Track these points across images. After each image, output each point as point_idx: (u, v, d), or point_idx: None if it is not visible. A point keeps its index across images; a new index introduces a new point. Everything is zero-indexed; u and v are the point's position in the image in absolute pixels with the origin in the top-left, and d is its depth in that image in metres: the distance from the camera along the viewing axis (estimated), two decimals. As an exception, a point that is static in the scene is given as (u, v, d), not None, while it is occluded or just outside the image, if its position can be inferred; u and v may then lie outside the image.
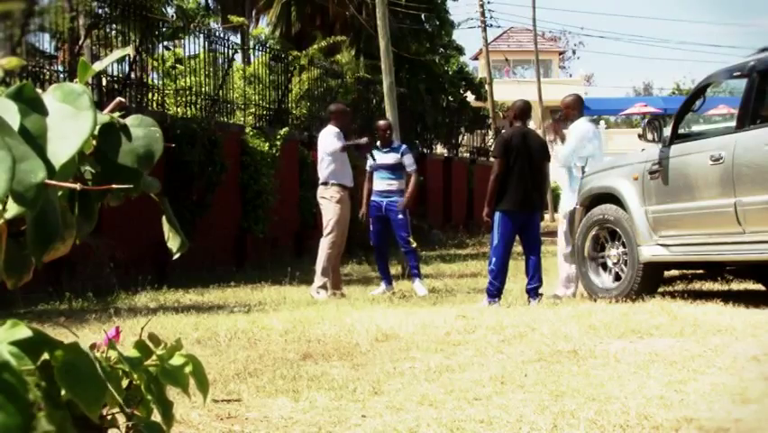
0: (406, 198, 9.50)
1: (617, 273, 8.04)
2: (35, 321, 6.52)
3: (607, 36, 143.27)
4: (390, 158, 9.60)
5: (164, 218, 1.34)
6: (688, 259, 7.66)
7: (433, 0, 23.05)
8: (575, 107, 8.72)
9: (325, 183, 9.18)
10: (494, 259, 8.05)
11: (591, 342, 5.55)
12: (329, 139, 9.16)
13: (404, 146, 9.87)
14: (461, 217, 23.06)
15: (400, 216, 9.45)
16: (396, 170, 9.56)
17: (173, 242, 1.35)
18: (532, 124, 44.68)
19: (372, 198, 9.57)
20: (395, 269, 11.99)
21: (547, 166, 8.26)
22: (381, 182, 9.57)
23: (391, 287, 9.60)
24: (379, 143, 9.80)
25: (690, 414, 3.67)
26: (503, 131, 8.78)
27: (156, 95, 12.96)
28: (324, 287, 8.98)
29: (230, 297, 9.18)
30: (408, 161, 9.61)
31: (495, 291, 7.98)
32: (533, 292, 8.08)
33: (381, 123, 10.06)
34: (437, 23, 24.65)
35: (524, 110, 8.42)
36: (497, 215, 7.98)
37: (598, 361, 4.97)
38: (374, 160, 9.60)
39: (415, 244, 9.61)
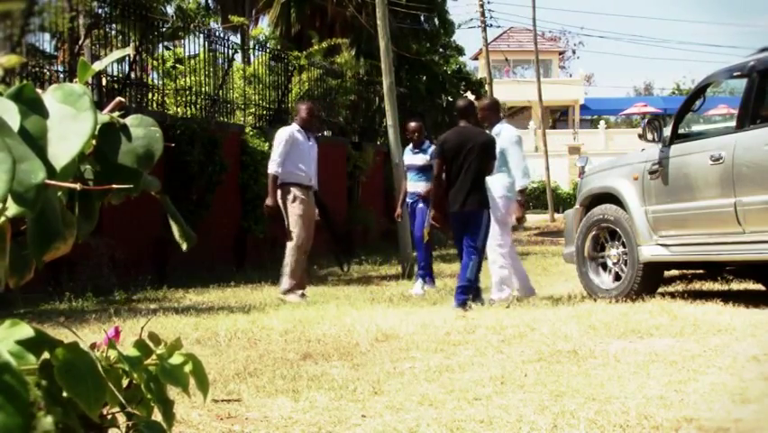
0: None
1: (616, 273, 8.04)
2: (35, 321, 6.52)
3: (607, 36, 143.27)
4: (419, 159, 9.69)
5: (169, 216, 1.34)
6: (688, 259, 7.66)
7: (433, 0, 23.04)
8: (493, 110, 8.57)
9: (284, 184, 8.83)
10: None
11: (591, 342, 5.55)
12: (278, 137, 8.88)
13: (432, 146, 9.72)
14: (461, 217, 23.03)
15: (420, 211, 9.60)
16: (425, 171, 9.56)
17: (181, 237, 1.35)
18: (532, 125, 44.50)
19: (408, 198, 9.84)
20: (395, 269, 12.00)
21: (490, 164, 7.81)
22: (412, 184, 9.77)
23: (433, 285, 9.60)
24: (411, 145, 9.90)
25: (690, 414, 3.67)
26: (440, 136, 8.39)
27: (156, 95, 12.96)
28: (292, 289, 8.77)
29: (230, 297, 9.18)
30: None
31: (467, 292, 7.63)
32: (456, 294, 7.67)
33: (411, 124, 10.04)
34: (437, 22, 24.63)
35: (467, 109, 8.15)
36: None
37: (598, 361, 4.97)
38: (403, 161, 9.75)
39: (426, 240, 9.57)
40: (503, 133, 8.32)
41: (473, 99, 27.68)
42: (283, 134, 8.83)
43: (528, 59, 45.10)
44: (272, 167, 8.79)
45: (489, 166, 7.81)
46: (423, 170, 9.62)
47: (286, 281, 8.80)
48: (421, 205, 9.60)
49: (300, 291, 8.82)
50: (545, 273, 11.45)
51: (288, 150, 8.78)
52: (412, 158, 9.80)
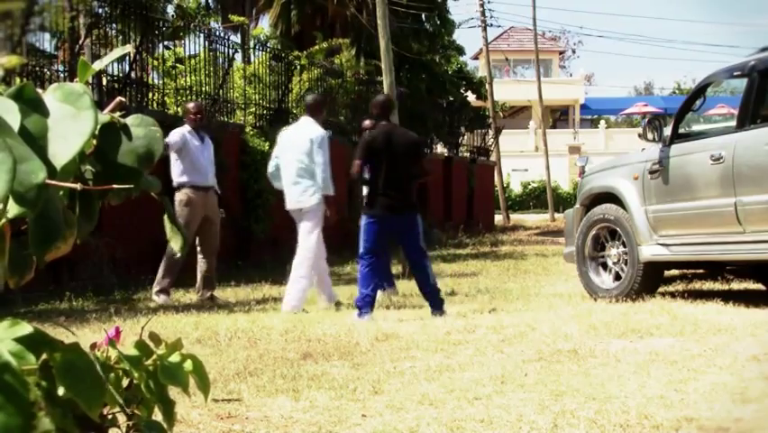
0: None
1: (617, 273, 8.04)
2: (35, 321, 6.52)
3: (607, 36, 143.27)
4: None
5: (165, 218, 1.34)
6: (688, 258, 7.66)
7: (433, 0, 23.04)
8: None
9: (178, 186, 8.63)
10: (359, 267, 7.45)
11: (591, 341, 5.55)
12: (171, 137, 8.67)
13: None
14: (462, 217, 23.06)
15: None
16: None
17: (175, 241, 1.35)
18: (532, 124, 44.33)
19: None
20: (395, 268, 12.00)
21: (417, 164, 7.48)
22: None
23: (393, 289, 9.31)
24: None
25: (690, 413, 3.67)
26: (366, 132, 8.00)
27: (156, 94, 12.96)
28: (164, 290, 8.61)
29: (230, 296, 9.17)
30: None
31: (364, 302, 7.14)
32: (435, 303, 7.26)
33: (364, 122, 9.96)
34: (438, 22, 24.62)
35: (385, 105, 7.67)
36: (363, 219, 7.38)
37: (599, 360, 4.98)
38: None
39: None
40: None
41: (473, 98, 27.77)
42: (172, 138, 8.64)
43: (528, 58, 45.10)
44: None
45: (417, 168, 7.47)
46: None
47: (158, 282, 8.66)
48: None
49: (202, 293, 8.74)
50: (546, 273, 11.45)
51: (181, 152, 8.63)
52: None
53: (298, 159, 7.87)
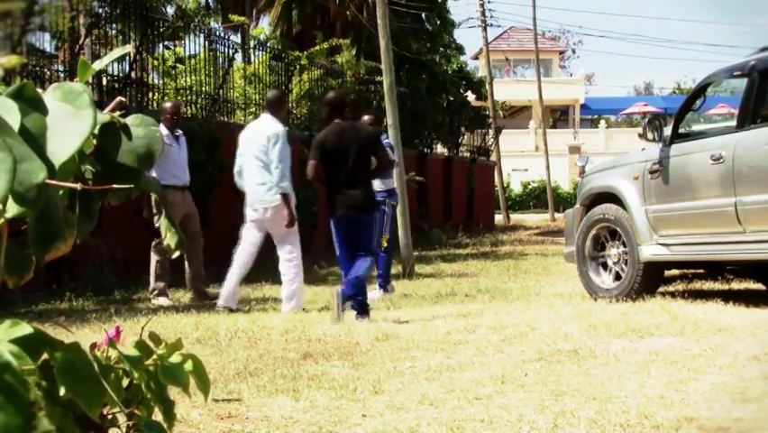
0: (391, 205, 9.14)
1: (617, 273, 8.04)
2: (35, 321, 6.52)
3: (607, 36, 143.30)
4: None
5: (162, 217, 1.34)
6: (688, 258, 7.66)
7: (433, 0, 23.04)
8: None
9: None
10: (343, 272, 7.25)
11: (592, 341, 5.55)
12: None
13: (386, 141, 9.35)
14: (462, 217, 23.05)
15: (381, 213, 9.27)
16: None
17: (171, 240, 1.35)
18: (532, 124, 44.26)
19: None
20: (395, 268, 12.00)
21: (376, 157, 7.24)
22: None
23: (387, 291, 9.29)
24: None
25: (690, 413, 3.67)
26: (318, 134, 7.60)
27: (156, 94, 12.96)
28: (161, 293, 8.65)
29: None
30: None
31: (361, 307, 6.96)
32: (355, 303, 6.99)
33: (363, 118, 9.74)
34: (438, 22, 24.63)
35: (334, 104, 7.35)
36: (331, 222, 7.23)
37: (599, 360, 4.98)
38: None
39: (385, 245, 9.17)
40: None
41: (473, 98, 27.77)
42: None
43: (528, 58, 45.10)
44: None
45: (380, 162, 7.27)
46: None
47: (154, 285, 8.70)
48: (381, 200, 9.14)
49: (166, 294, 8.73)
50: (546, 273, 11.45)
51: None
52: None
53: (257, 156, 7.63)
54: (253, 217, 7.76)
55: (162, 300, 8.56)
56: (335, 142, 7.08)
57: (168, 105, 9.19)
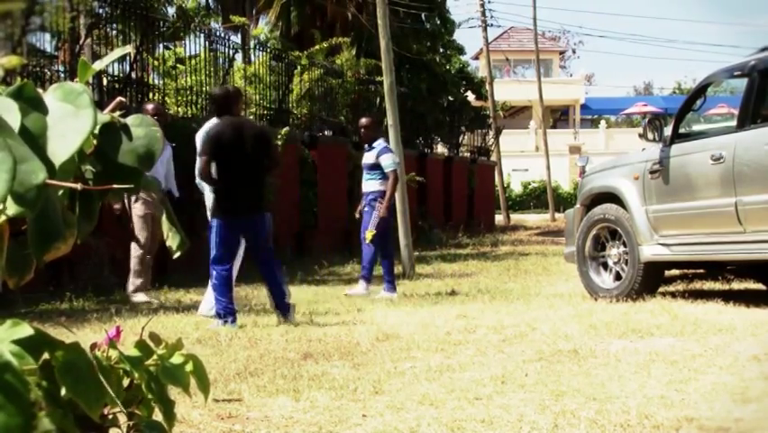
0: (382, 204, 9.06)
1: (617, 273, 8.04)
2: (36, 321, 6.52)
3: (607, 36, 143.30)
4: (368, 157, 9.26)
5: (164, 217, 1.34)
6: (688, 258, 7.67)
7: (433, 0, 23.05)
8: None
9: None
10: (214, 273, 6.78)
11: (592, 341, 5.55)
12: None
13: (383, 146, 9.32)
14: (462, 217, 23.06)
15: (366, 209, 9.16)
16: (372, 170, 9.19)
17: (173, 240, 1.35)
18: (532, 124, 44.26)
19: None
20: (395, 268, 12.00)
21: (268, 157, 6.97)
22: (364, 183, 9.35)
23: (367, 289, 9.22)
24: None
25: (690, 413, 3.67)
26: (210, 125, 7.08)
27: (156, 94, 12.96)
28: (139, 289, 8.68)
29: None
30: (386, 161, 9.13)
31: (226, 311, 6.67)
32: (282, 306, 6.84)
33: (361, 120, 9.75)
34: (438, 22, 24.63)
35: (223, 99, 6.97)
36: (215, 222, 6.81)
37: (599, 360, 4.98)
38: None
39: (370, 238, 9.09)
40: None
41: (473, 98, 27.78)
42: None
43: (529, 58, 45.09)
44: None
45: (268, 160, 6.95)
46: (371, 169, 9.19)
47: (133, 282, 8.72)
48: (367, 208, 9.16)
49: (147, 291, 8.75)
50: (546, 273, 11.45)
51: None
52: (364, 156, 9.37)
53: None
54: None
55: (140, 297, 8.57)
56: (232, 138, 6.73)
57: (149, 106, 9.12)
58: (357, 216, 9.60)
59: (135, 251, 8.77)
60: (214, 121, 7.06)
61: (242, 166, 6.73)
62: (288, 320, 6.76)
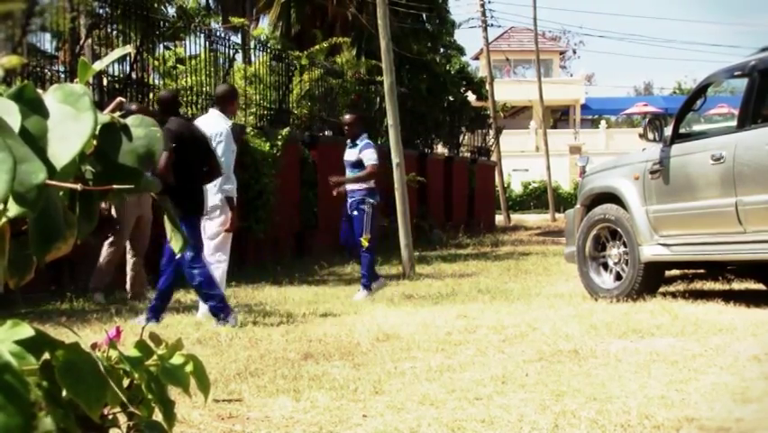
0: (371, 207, 8.99)
1: (617, 273, 8.04)
2: (36, 321, 6.52)
3: (607, 36, 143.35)
4: (350, 154, 9.21)
5: (165, 218, 1.34)
6: (689, 258, 7.67)
7: (434, 0, 23.05)
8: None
9: None
10: (196, 272, 6.67)
11: (592, 341, 5.55)
12: None
13: (365, 141, 9.24)
14: (462, 217, 23.06)
15: (356, 213, 9.08)
16: (355, 167, 9.13)
17: (175, 241, 1.35)
18: (533, 124, 44.38)
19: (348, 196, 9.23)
20: (396, 268, 12.00)
21: (212, 161, 6.89)
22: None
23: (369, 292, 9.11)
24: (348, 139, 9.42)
25: (691, 413, 3.67)
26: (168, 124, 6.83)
27: (157, 95, 12.96)
28: (97, 289, 8.62)
29: (230, 297, 9.17)
30: (368, 155, 9.06)
31: (220, 304, 6.68)
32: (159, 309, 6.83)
33: (345, 116, 9.69)
34: (438, 22, 24.64)
35: (173, 101, 7.09)
36: (184, 224, 6.39)
37: (599, 360, 4.98)
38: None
39: (366, 245, 9.04)
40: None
41: (474, 98, 27.78)
42: None
43: (529, 58, 45.08)
44: None
45: (211, 168, 6.83)
46: (353, 166, 9.13)
47: (95, 279, 8.69)
48: (355, 198, 9.06)
49: (104, 292, 8.72)
50: (546, 273, 11.45)
51: None
52: (347, 153, 9.28)
53: None
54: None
55: (99, 297, 8.57)
56: (189, 137, 6.72)
57: (133, 107, 9.13)
58: (335, 194, 9.43)
59: (106, 248, 8.72)
60: (173, 120, 6.99)
61: (195, 165, 6.74)
62: (221, 322, 6.57)
